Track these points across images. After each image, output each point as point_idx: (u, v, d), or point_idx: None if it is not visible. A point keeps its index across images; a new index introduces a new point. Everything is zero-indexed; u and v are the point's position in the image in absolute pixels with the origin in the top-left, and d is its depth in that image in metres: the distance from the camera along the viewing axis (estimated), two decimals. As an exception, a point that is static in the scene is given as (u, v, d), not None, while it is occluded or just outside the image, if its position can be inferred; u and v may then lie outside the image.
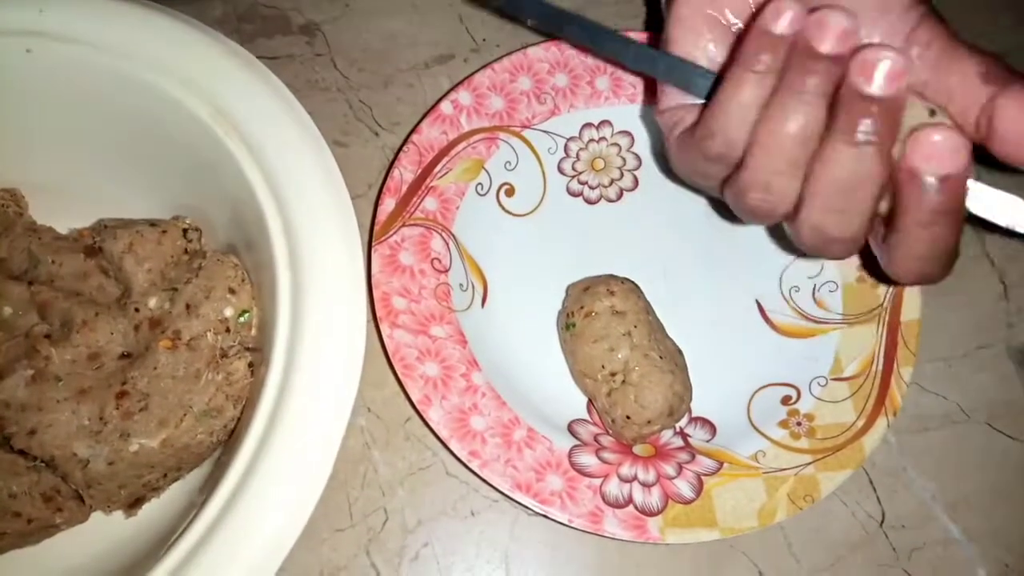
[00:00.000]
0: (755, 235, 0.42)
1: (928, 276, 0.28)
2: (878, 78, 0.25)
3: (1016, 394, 0.41)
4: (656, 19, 0.45)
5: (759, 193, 0.28)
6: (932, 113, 0.27)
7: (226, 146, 0.32)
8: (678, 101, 0.32)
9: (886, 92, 0.25)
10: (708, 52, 0.31)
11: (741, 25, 0.31)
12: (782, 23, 0.26)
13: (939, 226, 0.26)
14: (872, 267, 0.40)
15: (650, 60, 0.31)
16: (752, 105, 0.27)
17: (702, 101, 0.31)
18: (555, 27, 0.32)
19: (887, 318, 0.39)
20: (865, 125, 0.25)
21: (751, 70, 0.27)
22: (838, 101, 0.26)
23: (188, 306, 0.32)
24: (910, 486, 0.39)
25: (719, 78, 0.29)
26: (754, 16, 0.27)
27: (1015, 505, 0.39)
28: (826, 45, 0.25)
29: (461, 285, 0.39)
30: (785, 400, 0.38)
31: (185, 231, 0.35)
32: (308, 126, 0.33)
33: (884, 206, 0.28)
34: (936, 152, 0.25)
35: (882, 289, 0.40)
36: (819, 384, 0.38)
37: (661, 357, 0.35)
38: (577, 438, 0.37)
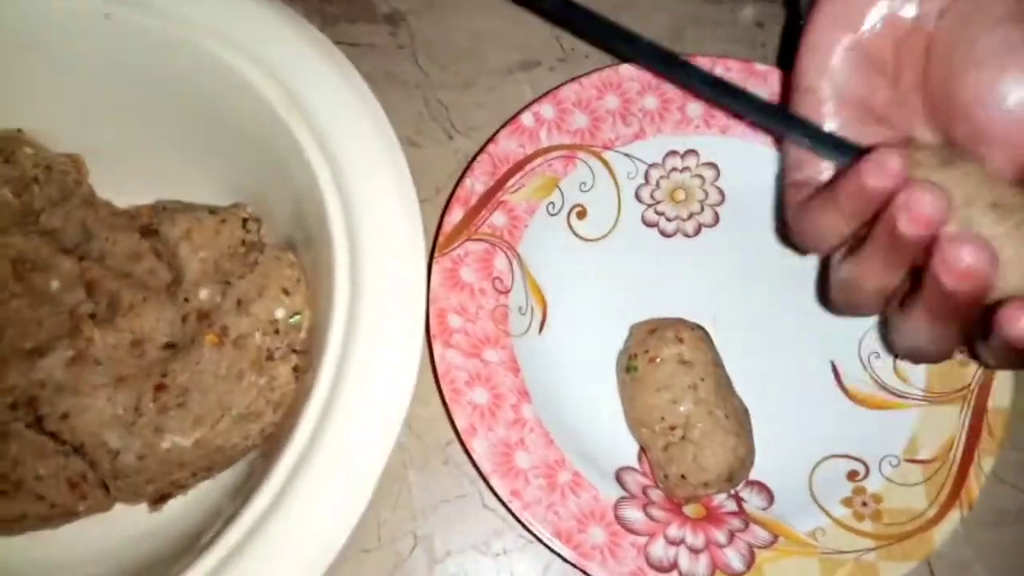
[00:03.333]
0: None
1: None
2: (959, 277, 0.24)
3: (1102, 498, 0.38)
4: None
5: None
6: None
7: (295, 137, 0.31)
8: (807, 175, 0.31)
9: (962, 288, 0.24)
10: (838, 82, 0.30)
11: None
12: (876, 181, 0.25)
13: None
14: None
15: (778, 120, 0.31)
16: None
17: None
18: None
19: (973, 401, 0.36)
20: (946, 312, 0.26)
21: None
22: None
23: (239, 302, 0.31)
24: (974, 583, 0.36)
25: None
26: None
27: (1088, 620, 0.36)
28: (910, 229, 0.25)
29: (520, 308, 0.37)
30: (852, 476, 0.35)
31: (245, 221, 0.34)
32: (383, 124, 0.32)
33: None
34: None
35: (971, 368, 0.37)
36: (890, 464, 0.35)
37: (727, 416, 0.33)
38: (624, 488, 0.34)
